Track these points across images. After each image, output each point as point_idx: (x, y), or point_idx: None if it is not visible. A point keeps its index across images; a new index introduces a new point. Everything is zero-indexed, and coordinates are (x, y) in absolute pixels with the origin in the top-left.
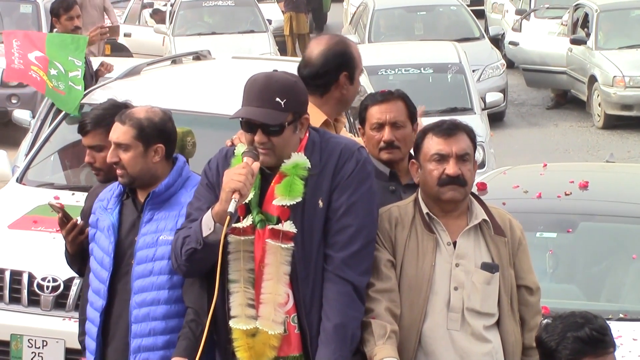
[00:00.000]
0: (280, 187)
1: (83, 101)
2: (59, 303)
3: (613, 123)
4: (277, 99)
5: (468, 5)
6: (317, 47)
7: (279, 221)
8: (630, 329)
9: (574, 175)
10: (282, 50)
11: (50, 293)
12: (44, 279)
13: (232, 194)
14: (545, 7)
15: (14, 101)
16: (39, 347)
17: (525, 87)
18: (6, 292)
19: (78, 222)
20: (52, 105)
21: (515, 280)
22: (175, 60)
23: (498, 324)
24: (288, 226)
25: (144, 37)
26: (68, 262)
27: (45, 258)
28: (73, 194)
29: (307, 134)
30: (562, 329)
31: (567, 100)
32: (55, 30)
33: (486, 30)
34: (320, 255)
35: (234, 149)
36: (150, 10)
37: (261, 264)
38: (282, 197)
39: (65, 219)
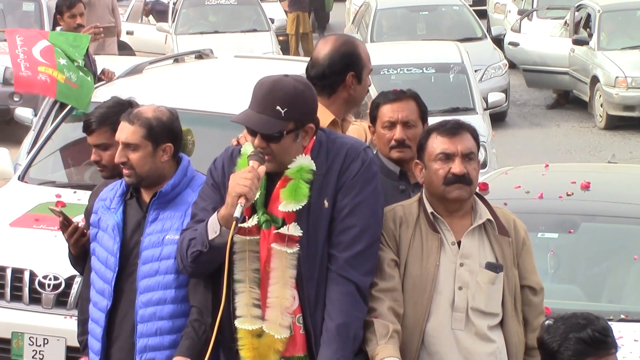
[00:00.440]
0: (285, 191)
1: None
2: (60, 301)
3: (615, 124)
4: (278, 108)
5: (470, 5)
6: (324, 47)
7: (284, 223)
8: (632, 329)
9: (576, 176)
10: (285, 49)
11: (51, 291)
12: (45, 277)
13: (238, 198)
14: (546, 8)
15: (16, 99)
16: (40, 345)
17: (528, 87)
18: (7, 290)
19: (79, 225)
20: (54, 103)
21: (519, 280)
22: (177, 59)
23: (501, 324)
24: (293, 229)
25: (146, 35)
26: (72, 263)
27: (47, 256)
28: (75, 192)
29: (314, 137)
30: (564, 330)
31: (569, 101)
32: (59, 28)
33: (488, 30)
34: (325, 255)
35: (240, 148)
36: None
37: (266, 265)
38: (287, 201)
39: (66, 222)
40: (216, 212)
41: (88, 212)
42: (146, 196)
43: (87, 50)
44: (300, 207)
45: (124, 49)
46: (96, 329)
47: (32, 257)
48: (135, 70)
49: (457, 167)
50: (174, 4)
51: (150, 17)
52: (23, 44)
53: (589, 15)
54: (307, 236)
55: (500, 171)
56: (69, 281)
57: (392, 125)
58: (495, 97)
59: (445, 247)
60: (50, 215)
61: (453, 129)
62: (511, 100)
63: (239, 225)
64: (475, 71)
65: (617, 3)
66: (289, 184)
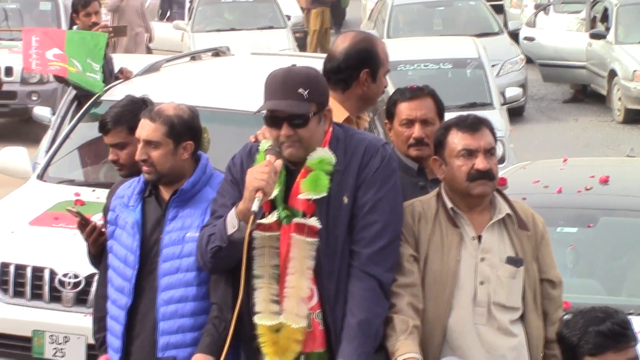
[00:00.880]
0: (306, 181)
1: (102, 98)
2: (81, 299)
3: (633, 117)
4: (300, 90)
5: (487, 0)
6: (342, 42)
7: (304, 216)
8: None
9: (595, 170)
10: (301, 46)
11: (71, 289)
12: (65, 275)
13: (255, 192)
14: (562, 2)
15: (34, 98)
16: (60, 343)
17: (544, 82)
18: (28, 289)
19: (97, 225)
20: (72, 102)
21: (538, 274)
22: (194, 56)
23: (522, 318)
24: (313, 221)
25: (163, 33)
26: (91, 262)
27: (67, 254)
28: (93, 190)
29: (331, 130)
30: (583, 324)
31: (587, 95)
32: (75, 27)
33: (505, 25)
34: (345, 251)
35: (258, 145)
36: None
37: (286, 260)
38: (307, 192)
39: (83, 221)
40: (234, 207)
41: (106, 210)
42: (165, 194)
43: (105, 49)
44: (320, 197)
45: (120, 33)
46: (116, 327)
47: (51, 256)
48: (153, 68)
49: (480, 163)
50: (191, 1)
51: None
52: (38, 46)
53: (605, 9)
54: (326, 230)
55: (518, 166)
56: (89, 279)
57: (410, 123)
58: (513, 92)
59: (466, 242)
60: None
61: (474, 125)
62: (529, 95)
63: (260, 221)
64: (493, 66)
65: None
66: (309, 175)
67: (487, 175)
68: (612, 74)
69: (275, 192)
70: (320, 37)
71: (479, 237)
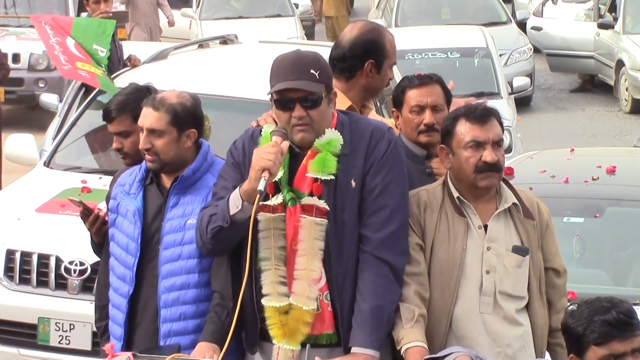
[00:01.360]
0: (314, 162)
1: None
2: (86, 287)
3: None
4: (312, 71)
5: None
6: (350, 32)
7: (313, 196)
8: None
9: (602, 160)
10: (309, 35)
11: (77, 277)
12: (71, 263)
13: (261, 172)
14: None
15: (41, 85)
16: (66, 331)
17: (551, 71)
18: (34, 276)
19: (100, 214)
20: (79, 89)
21: (543, 262)
22: (202, 44)
23: (527, 307)
24: (322, 202)
25: None
26: (95, 250)
27: (73, 242)
28: (100, 177)
29: (335, 115)
30: (588, 314)
31: (594, 85)
32: (85, 14)
33: (513, 14)
34: (353, 235)
35: (260, 129)
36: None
37: (293, 242)
38: (315, 173)
39: (86, 211)
40: (238, 188)
41: (108, 198)
42: (166, 181)
43: (114, 35)
44: (328, 178)
45: (119, 18)
46: (118, 315)
47: (58, 243)
48: (160, 55)
49: (489, 155)
50: None
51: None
52: (55, 34)
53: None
54: (334, 214)
55: (525, 155)
56: (95, 267)
57: (420, 109)
58: (520, 81)
59: (472, 231)
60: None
61: (483, 116)
62: (536, 85)
63: (265, 203)
64: (500, 55)
65: None
66: (317, 156)
67: (495, 167)
68: (620, 64)
69: (279, 175)
70: (334, 24)
71: (485, 227)
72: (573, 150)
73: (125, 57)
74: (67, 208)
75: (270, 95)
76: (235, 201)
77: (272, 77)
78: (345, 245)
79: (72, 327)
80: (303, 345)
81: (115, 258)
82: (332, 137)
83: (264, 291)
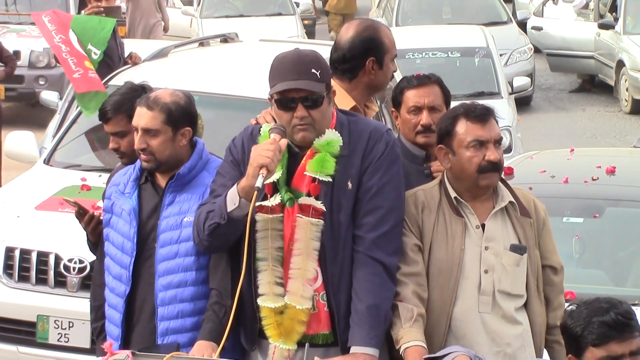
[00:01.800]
0: (313, 162)
1: (110, 83)
2: (85, 284)
3: None
4: (313, 70)
5: None
6: (346, 32)
7: (310, 196)
8: None
9: (601, 161)
10: (310, 33)
11: (76, 274)
12: (70, 260)
13: (259, 169)
14: None
15: (41, 82)
16: (65, 328)
17: (551, 71)
18: (33, 273)
19: (95, 214)
20: None
21: (540, 260)
22: (202, 42)
23: (525, 305)
24: (318, 202)
25: (171, 19)
26: (91, 249)
27: (72, 239)
28: (100, 175)
29: (335, 115)
30: (587, 315)
31: (594, 85)
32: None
33: (514, 14)
34: (348, 236)
35: (260, 127)
36: None
37: (290, 242)
38: (313, 172)
39: (81, 211)
40: (236, 185)
41: (103, 198)
42: (161, 180)
43: (116, 33)
44: (326, 178)
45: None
46: (115, 315)
47: (57, 241)
48: (161, 53)
49: (492, 154)
50: None
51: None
52: (57, 30)
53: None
54: (330, 215)
55: (525, 155)
56: (94, 264)
57: (418, 110)
58: (521, 81)
59: (470, 231)
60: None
61: (483, 115)
62: (536, 85)
63: (262, 203)
64: (501, 55)
65: None
66: (316, 156)
67: (497, 166)
68: (620, 64)
69: (277, 175)
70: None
71: (483, 226)
72: (573, 150)
73: (126, 54)
74: (66, 206)
75: (269, 95)
76: (232, 198)
77: (273, 76)
78: (340, 245)
79: (71, 324)
80: (302, 344)
81: (110, 258)
82: (332, 137)
83: (260, 291)
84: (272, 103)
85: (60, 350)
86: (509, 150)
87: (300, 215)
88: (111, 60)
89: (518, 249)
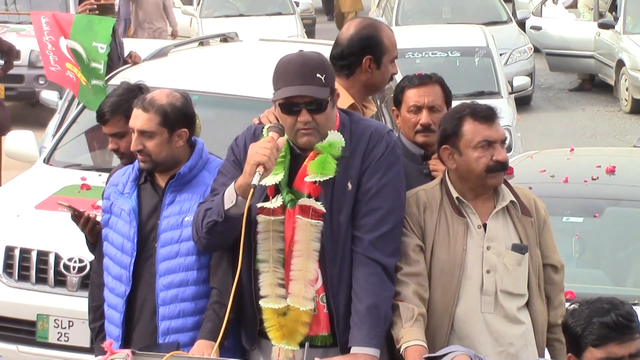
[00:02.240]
0: (314, 164)
1: (110, 82)
2: (85, 284)
3: None
4: (318, 75)
5: None
6: (347, 29)
7: (310, 198)
8: None
9: (601, 160)
10: (310, 33)
11: (76, 274)
12: (70, 260)
13: (256, 167)
14: None
15: (41, 82)
16: (65, 328)
17: (550, 71)
18: (33, 273)
19: (91, 216)
20: None
21: (541, 259)
22: (202, 42)
23: (527, 304)
24: (318, 203)
25: None
26: (90, 250)
27: (72, 239)
28: (100, 175)
29: (338, 116)
30: (588, 315)
31: (594, 85)
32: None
33: (514, 13)
34: (348, 237)
35: (262, 127)
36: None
37: (291, 245)
38: (314, 174)
39: (76, 213)
40: (233, 183)
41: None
42: (161, 180)
43: (115, 33)
44: (327, 179)
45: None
46: (114, 315)
47: (57, 240)
48: (161, 53)
49: (500, 154)
50: None
51: None
52: (50, 32)
53: None
54: (330, 216)
55: (525, 155)
56: None
57: (418, 109)
58: (521, 80)
59: (472, 231)
60: (76, 198)
61: (490, 116)
62: (536, 84)
63: (264, 205)
64: (501, 55)
65: None
66: (317, 158)
67: (505, 166)
68: (620, 63)
69: (280, 177)
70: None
71: (484, 226)
72: (573, 150)
73: (126, 54)
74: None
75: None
76: (229, 196)
77: (278, 80)
78: (340, 246)
79: (71, 324)
80: (302, 344)
81: (110, 258)
82: (335, 139)
83: (262, 293)
84: (276, 106)
85: (60, 349)
86: (508, 149)
87: (300, 217)
88: (110, 60)
89: (519, 248)
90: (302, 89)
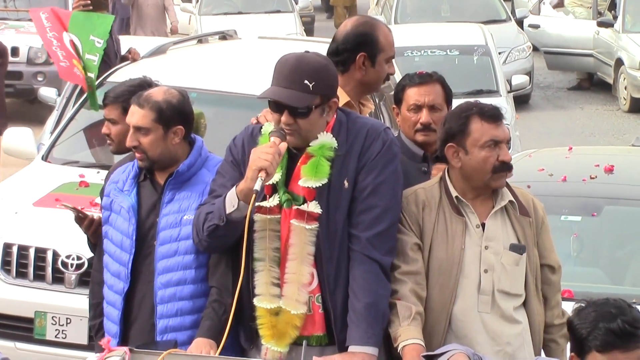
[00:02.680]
0: (306, 167)
1: (108, 80)
2: (83, 281)
3: (639, 107)
4: (306, 82)
5: None
6: (345, 26)
7: (305, 201)
8: None
9: (600, 159)
10: (308, 31)
11: (74, 271)
12: (68, 257)
13: (258, 172)
14: None
15: (40, 79)
16: (62, 325)
17: (548, 70)
18: (30, 270)
19: (95, 217)
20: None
21: (539, 259)
22: (201, 39)
23: (524, 304)
24: (313, 207)
25: None
26: (91, 250)
27: (70, 236)
28: (98, 172)
29: (334, 115)
30: (594, 318)
31: (593, 84)
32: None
33: (513, 12)
34: (344, 235)
35: (260, 127)
36: None
37: (287, 244)
38: (307, 178)
39: (81, 215)
40: (235, 187)
41: (101, 195)
42: (160, 178)
43: (112, 29)
44: (321, 184)
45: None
46: (113, 312)
47: (55, 237)
48: (159, 50)
49: (506, 155)
50: None
51: None
52: (52, 27)
53: None
54: (326, 215)
55: (523, 154)
56: (92, 261)
57: (418, 108)
58: (519, 79)
59: (470, 230)
60: (74, 195)
61: (497, 115)
62: (535, 83)
63: (261, 204)
64: (499, 53)
65: None
66: (310, 161)
67: (509, 167)
68: (619, 62)
69: (277, 177)
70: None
71: (483, 225)
72: (571, 148)
73: (123, 51)
74: (64, 202)
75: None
76: (231, 200)
77: (273, 76)
78: (337, 245)
79: (68, 321)
80: (297, 344)
81: (109, 255)
82: (326, 141)
83: (256, 291)
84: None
85: (58, 346)
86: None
87: (294, 221)
88: (107, 56)
89: (517, 248)
90: (281, 92)
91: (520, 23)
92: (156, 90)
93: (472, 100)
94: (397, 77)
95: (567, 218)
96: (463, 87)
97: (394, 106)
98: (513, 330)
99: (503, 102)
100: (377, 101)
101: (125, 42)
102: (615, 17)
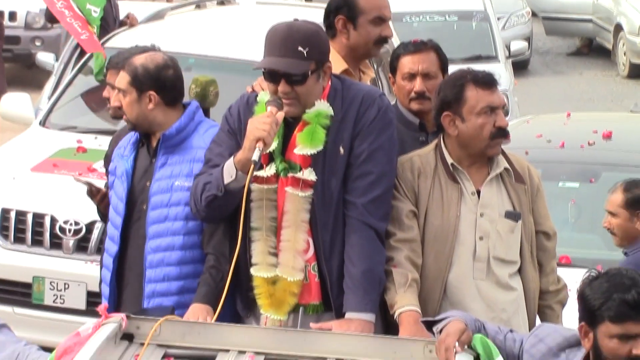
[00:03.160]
0: (302, 135)
1: (105, 45)
2: (81, 246)
3: (638, 72)
4: (300, 48)
5: None
6: None
7: (301, 169)
8: None
9: (598, 125)
10: None
11: (72, 236)
12: (66, 222)
13: (256, 142)
14: None
15: (37, 44)
16: (60, 290)
17: (547, 35)
18: (28, 235)
19: (104, 191)
20: (76, 48)
21: (534, 226)
22: (199, 4)
23: (519, 271)
24: (308, 174)
25: None
26: (102, 219)
27: (68, 201)
28: (96, 137)
29: (329, 82)
30: (607, 289)
31: (592, 49)
32: None
33: None
34: (340, 202)
35: (256, 96)
36: None
37: (283, 213)
38: (303, 145)
39: (93, 189)
40: (232, 157)
41: (107, 158)
42: (154, 143)
43: None
44: (316, 151)
45: None
46: (107, 275)
47: (52, 202)
48: (157, 15)
49: (502, 120)
50: None
51: None
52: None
53: None
54: (322, 182)
55: (522, 120)
56: (90, 226)
57: (412, 76)
58: (518, 45)
59: (465, 197)
60: (71, 160)
61: (492, 82)
62: (534, 49)
63: (257, 173)
64: (498, 19)
65: None
66: (306, 129)
67: (506, 132)
68: (618, 28)
69: (274, 145)
70: None
71: (478, 192)
72: (569, 114)
73: (122, 16)
74: (61, 168)
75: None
76: (229, 170)
77: (264, 48)
78: (331, 212)
79: (66, 286)
80: (295, 310)
81: (110, 219)
82: (322, 108)
83: (253, 261)
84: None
85: (56, 311)
86: (505, 114)
87: (289, 189)
88: (105, 22)
89: (513, 215)
90: (277, 61)
91: None
92: (141, 55)
93: (465, 67)
94: (396, 42)
95: (565, 184)
96: (461, 52)
97: (390, 75)
98: (508, 297)
99: (502, 68)
100: (376, 67)
101: (124, 7)
102: None
